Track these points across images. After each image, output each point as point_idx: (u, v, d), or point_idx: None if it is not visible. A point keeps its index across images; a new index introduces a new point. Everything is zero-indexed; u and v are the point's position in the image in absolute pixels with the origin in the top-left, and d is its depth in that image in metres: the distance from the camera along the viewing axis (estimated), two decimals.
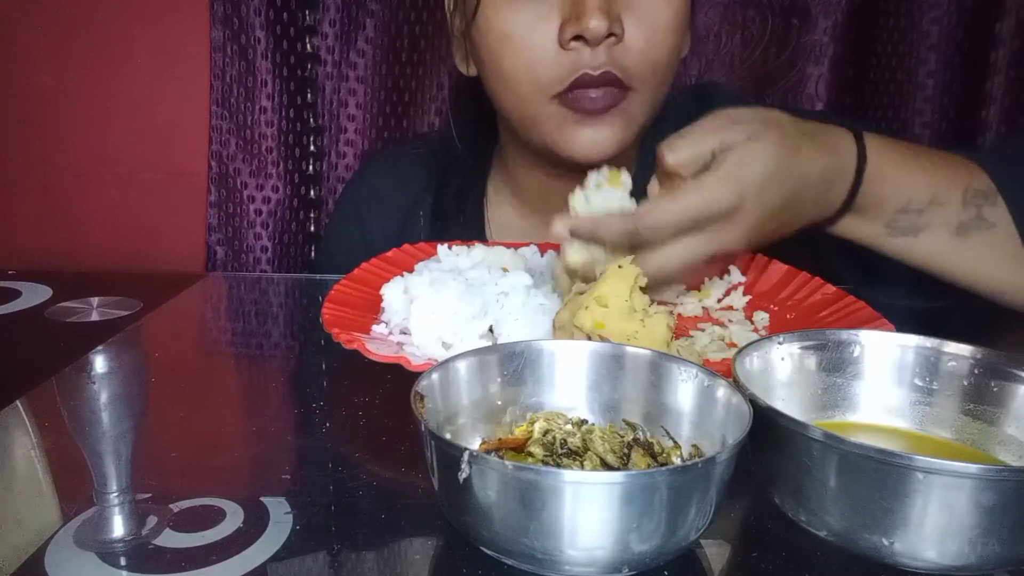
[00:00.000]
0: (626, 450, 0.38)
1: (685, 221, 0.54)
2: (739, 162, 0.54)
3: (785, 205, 0.57)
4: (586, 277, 0.56)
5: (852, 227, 0.62)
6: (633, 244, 0.55)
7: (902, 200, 0.61)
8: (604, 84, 0.66)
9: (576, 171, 0.63)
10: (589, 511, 0.31)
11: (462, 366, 0.41)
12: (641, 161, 0.77)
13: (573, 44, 0.65)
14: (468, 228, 0.83)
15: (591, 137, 0.68)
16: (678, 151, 0.55)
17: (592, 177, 0.60)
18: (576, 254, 0.57)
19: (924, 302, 0.66)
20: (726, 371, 0.40)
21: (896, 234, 0.62)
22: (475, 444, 0.41)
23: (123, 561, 0.36)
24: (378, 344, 0.54)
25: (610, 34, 0.64)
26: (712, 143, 0.55)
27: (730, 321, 0.63)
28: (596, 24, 0.63)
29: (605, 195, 0.58)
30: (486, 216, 0.84)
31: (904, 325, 0.49)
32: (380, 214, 0.86)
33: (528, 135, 0.73)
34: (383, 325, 0.59)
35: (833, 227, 0.62)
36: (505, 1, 0.67)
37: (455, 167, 0.85)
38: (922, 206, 0.61)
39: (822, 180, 0.58)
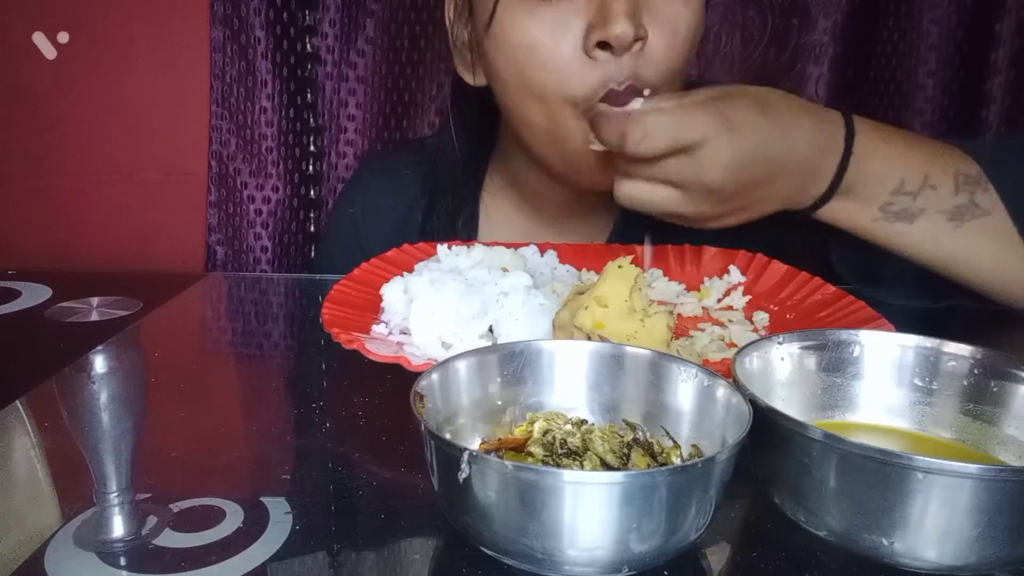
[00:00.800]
0: (626, 450, 0.38)
1: (670, 128, 0.55)
2: (722, 100, 0.57)
3: (768, 159, 0.57)
4: None
5: (848, 211, 0.61)
6: (625, 144, 0.57)
7: (895, 180, 0.60)
8: (628, 99, 0.62)
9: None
10: (589, 511, 0.31)
11: (462, 366, 0.41)
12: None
13: (598, 53, 0.62)
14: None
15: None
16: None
17: None
18: None
19: (924, 302, 0.66)
20: (726, 371, 0.40)
21: (892, 219, 0.61)
22: (475, 444, 0.41)
23: (123, 561, 0.36)
24: (378, 344, 0.54)
25: (636, 39, 0.61)
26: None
27: (730, 321, 0.63)
28: (623, 30, 0.60)
29: None
30: (479, 234, 0.83)
31: (904, 325, 0.49)
32: (377, 220, 0.86)
33: (548, 153, 0.70)
34: (383, 325, 0.59)
35: (827, 210, 0.61)
36: (524, 9, 0.63)
37: (446, 186, 0.83)
38: (916, 188, 0.60)
39: (810, 142, 0.58)
